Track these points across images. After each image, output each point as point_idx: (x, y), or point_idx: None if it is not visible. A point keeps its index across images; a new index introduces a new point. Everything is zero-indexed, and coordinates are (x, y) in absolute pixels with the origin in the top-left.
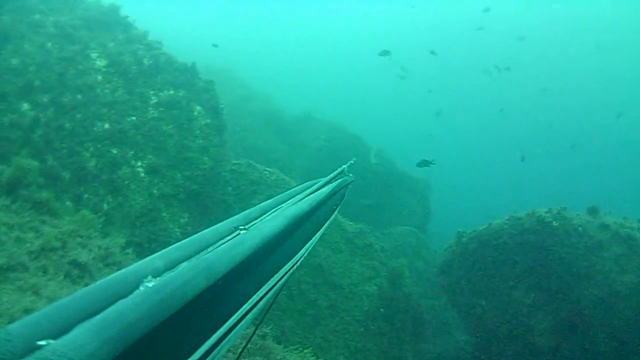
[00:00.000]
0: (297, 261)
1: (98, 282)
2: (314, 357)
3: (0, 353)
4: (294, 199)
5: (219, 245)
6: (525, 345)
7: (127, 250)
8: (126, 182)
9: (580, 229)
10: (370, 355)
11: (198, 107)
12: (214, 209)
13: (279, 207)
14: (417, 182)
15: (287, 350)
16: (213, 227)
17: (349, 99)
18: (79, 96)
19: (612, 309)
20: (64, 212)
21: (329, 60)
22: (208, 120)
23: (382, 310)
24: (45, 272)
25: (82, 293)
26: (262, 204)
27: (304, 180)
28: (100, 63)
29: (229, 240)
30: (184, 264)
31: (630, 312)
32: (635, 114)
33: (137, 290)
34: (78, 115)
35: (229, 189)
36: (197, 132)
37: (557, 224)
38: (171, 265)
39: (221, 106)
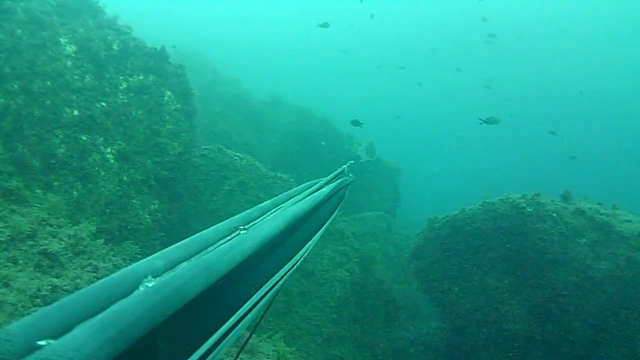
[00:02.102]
0: (297, 261)
1: (98, 282)
2: (285, 344)
3: (0, 353)
4: (294, 199)
5: (219, 245)
6: (499, 331)
7: (98, 240)
8: (96, 169)
9: (554, 215)
10: (343, 342)
11: (168, 92)
12: (185, 195)
13: (279, 207)
14: (387, 167)
15: (260, 340)
16: (213, 227)
17: (317, 82)
18: (49, 82)
19: (587, 296)
20: (33, 201)
21: (296, 43)
22: (178, 105)
23: (354, 296)
24: (15, 263)
25: (82, 293)
26: (262, 204)
27: (273, 164)
28: (70, 49)
29: (229, 240)
30: (184, 264)
31: (605, 299)
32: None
33: (137, 290)
34: (47, 102)
35: (199, 174)
36: (167, 117)
37: (531, 209)
38: (171, 265)
39: (192, 91)
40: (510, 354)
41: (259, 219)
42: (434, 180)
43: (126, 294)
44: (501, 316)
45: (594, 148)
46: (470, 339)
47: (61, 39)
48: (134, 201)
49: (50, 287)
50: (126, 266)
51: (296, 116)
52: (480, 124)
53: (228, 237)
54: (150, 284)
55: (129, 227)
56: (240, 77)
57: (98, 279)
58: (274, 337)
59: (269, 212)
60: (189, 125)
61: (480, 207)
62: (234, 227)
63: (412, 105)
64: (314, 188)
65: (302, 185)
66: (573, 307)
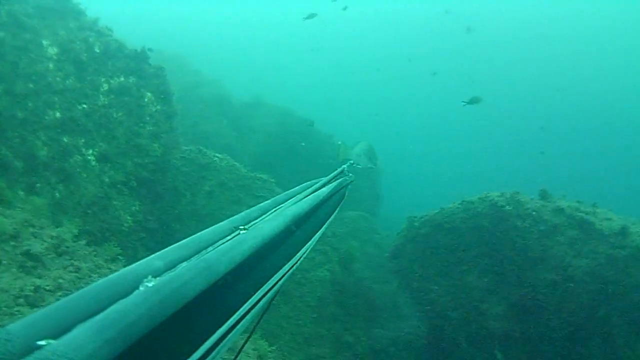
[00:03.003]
0: (297, 261)
1: (98, 282)
2: (266, 343)
3: (0, 353)
4: (293, 199)
5: (219, 245)
6: (479, 329)
7: (80, 241)
8: (77, 170)
9: (534, 213)
10: (324, 341)
11: (148, 94)
12: (165, 196)
13: (279, 207)
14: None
15: (241, 338)
16: (213, 227)
17: (299, 82)
18: (31, 85)
19: (567, 293)
20: (16, 202)
21: (276, 43)
22: (158, 107)
23: (334, 295)
24: None
25: (82, 293)
26: (261, 204)
27: (254, 165)
28: (52, 51)
29: (228, 240)
30: (184, 264)
31: (585, 297)
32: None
33: (137, 290)
34: (30, 104)
35: (180, 175)
36: (147, 118)
37: (510, 208)
38: (171, 265)
39: (171, 92)
40: (490, 352)
41: (259, 219)
42: (413, 169)
43: (126, 294)
44: (481, 314)
45: (574, 147)
46: (450, 338)
47: (43, 41)
48: (115, 202)
49: (33, 288)
50: (107, 267)
51: (277, 117)
52: (464, 105)
53: (228, 237)
54: (150, 284)
55: (110, 228)
56: (222, 78)
57: (80, 279)
58: (254, 336)
59: (269, 212)
60: (169, 127)
61: (460, 205)
62: (234, 227)
63: (393, 104)
64: (313, 188)
65: (302, 185)
66: (553, 305)
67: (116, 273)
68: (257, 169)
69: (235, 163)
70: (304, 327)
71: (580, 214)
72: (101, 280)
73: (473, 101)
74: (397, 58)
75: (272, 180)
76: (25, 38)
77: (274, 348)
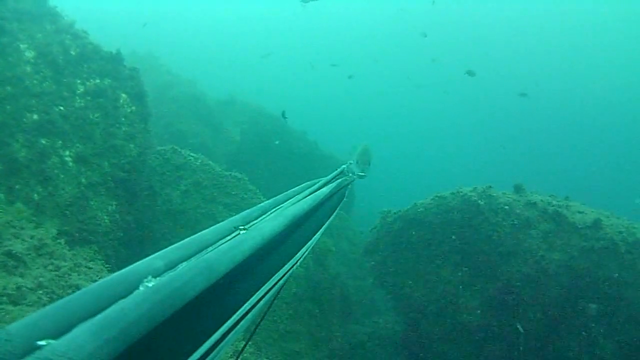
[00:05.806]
0: (297, 261)
1: (98, 282)
2: (242, 340)
3: (1, 353)
4: (293, 199)
5: (219, 245)
6: (455, 323)
7: (59, 240)
8: (55, 172)
9: (506, 207)
10: (299, 337)
11: (123, 95)
12: (141, 196)
13: (279, 207)
14: (340, 163)
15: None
16: (213, 227)
17: (274, 82)
18: (9, 88)
19: (542, 287)
20: None
21: (250, 42)
22: (133, 108)
23: (309, 292)
24: None
25: (82, 293)
26: (262, 203)
27: (228, 164)
28: (30, 54)
29: (229, 240)
30: (184, 264)
31: (559, 290)
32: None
33: (137, 290)
34: (8, 107)
35: (155, 175)
36: (123, 119)
37: (482, 202)
38: (171, 265)
39: (146, 93)
40: (467, 346)
41: (259, 219)
42: (386, 165)
43: (126, 294)
44: (456, 309)
45: (549, 143)
46: (426, 332)
47: (21, 45)
48: (92, 203)
49: (15, 287)
50: (86, 265)
51: (251, 115)
52: (464, 73)
53: (228, 237)
54: (150, 284)
55: (88, 228)
56: (195, 77)
57: (59, 277)
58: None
59: (269, 212)
60: (143, 127)
61: (432, 200)
62: (234, 227)
63: (366, 102)
64: (313, 188)
65: (302, 185)
66: (528, 298)
67: (116, 273)
68: (232, 167)
69: (210, 162)
70: (280, 323)
71: (552, 207)
72: (101, 280)
73: (470, 73)
74: (369, 58)
75: (246, 178)
76: (3, 42)
77: (250, 344)
